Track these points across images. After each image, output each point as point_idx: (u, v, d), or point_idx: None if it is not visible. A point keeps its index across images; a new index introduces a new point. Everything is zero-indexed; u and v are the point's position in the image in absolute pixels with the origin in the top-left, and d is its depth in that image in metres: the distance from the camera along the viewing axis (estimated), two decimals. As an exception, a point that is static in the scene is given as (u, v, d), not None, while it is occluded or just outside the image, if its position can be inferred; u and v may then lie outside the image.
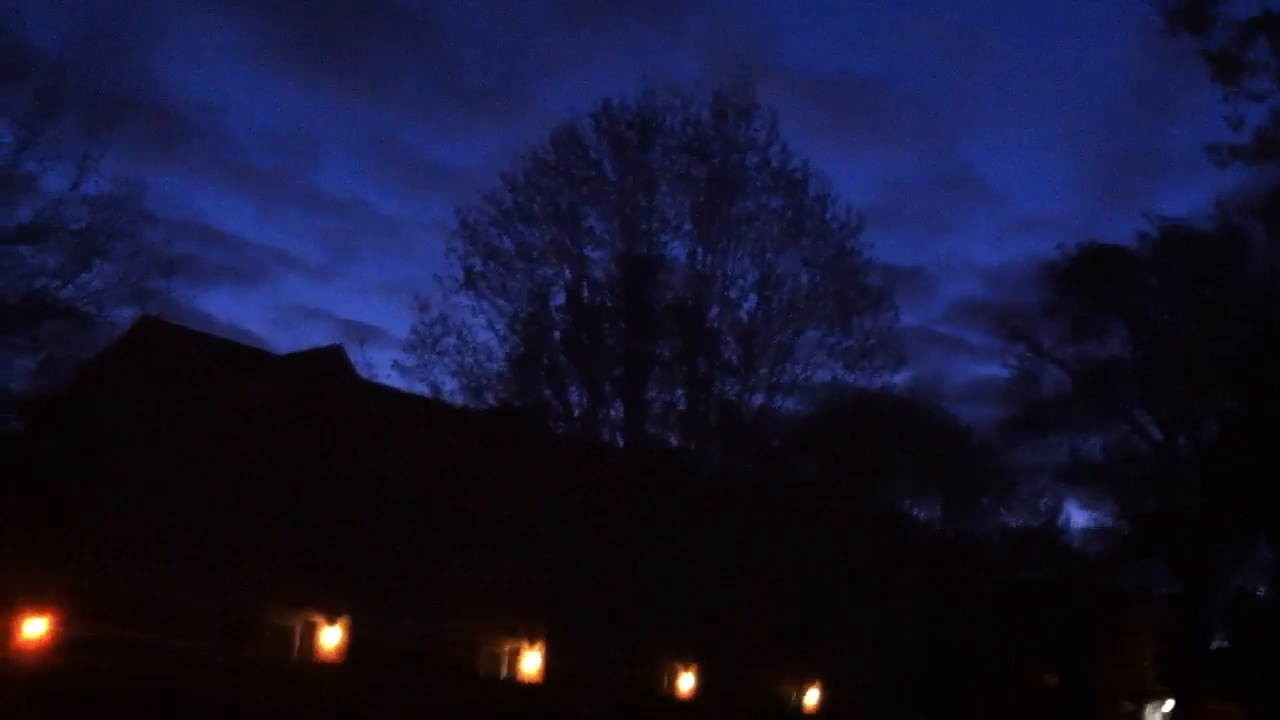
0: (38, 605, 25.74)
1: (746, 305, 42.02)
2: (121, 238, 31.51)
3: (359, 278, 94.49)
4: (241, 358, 34.21)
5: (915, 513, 50.06)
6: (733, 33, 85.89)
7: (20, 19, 30.58)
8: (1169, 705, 49.35)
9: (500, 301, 40.21)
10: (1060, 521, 51.20)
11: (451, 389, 39.28)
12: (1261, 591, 47.41)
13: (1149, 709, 50.34)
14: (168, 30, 77.01)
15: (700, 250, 41.64)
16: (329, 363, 33.42)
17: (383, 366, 37.98)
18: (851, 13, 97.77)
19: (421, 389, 38.83)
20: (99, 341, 31.87)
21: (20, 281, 30.94)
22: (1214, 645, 46.58)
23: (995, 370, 49.87)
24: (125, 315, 32.32)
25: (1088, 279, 47.21)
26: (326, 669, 31.35)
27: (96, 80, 31.56)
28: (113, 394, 30.43)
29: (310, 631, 32.26)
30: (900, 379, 44.40)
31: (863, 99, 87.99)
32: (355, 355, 35.01)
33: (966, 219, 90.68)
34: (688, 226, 41.72)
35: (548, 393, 40.20)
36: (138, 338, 31.79)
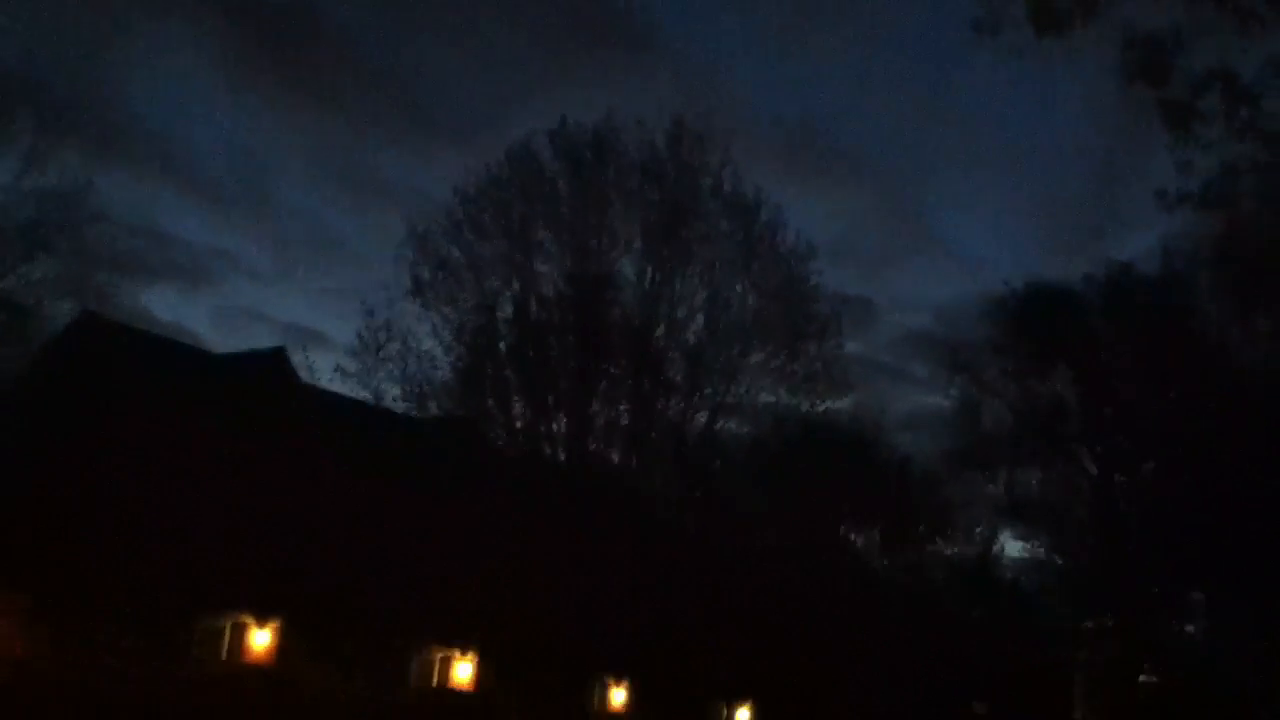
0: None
1: (694, 326, 42.62)
2: (66, 232, 31.61)
3: (306, 285, 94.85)
4: (181, 355, 34.16)
5: (854, 539, 50.33)
6: (698, 73, 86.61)
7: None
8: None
9: (447, 311, 40.63)
10: (995, 552, 51.64)
11: (394, 396, 39.64)
12: (1191, 630, 47.92)
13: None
14: (130, 38, 76.88)
15: (650, 270, 42.13)
16: (270, 364, 33.43)
17: (323, 371, 38.30)
18: (813, 56, 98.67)
19: (364, 395, 39.22)
20: (37, 335, 31.84)
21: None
22: (1141, 680, 47.06)
23: (938, 402, 50.24)
24: (65, 309, 32.42)
25: (1033, 317, 47.76)
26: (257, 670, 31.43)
27: (52, 81, 31.69)
28: (48, 390, 30.30)
29: (239, 633, 32.14)
30: (843, 405, 45.06)
31: (822, 141, 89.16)
32: (298, 359, 35.14)
33: (917, 260, 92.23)
34: (638, 246, 42.24)
35: (491, 404, 40.46)
36: (74, 332, 31.69)
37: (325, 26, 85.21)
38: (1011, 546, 51.63)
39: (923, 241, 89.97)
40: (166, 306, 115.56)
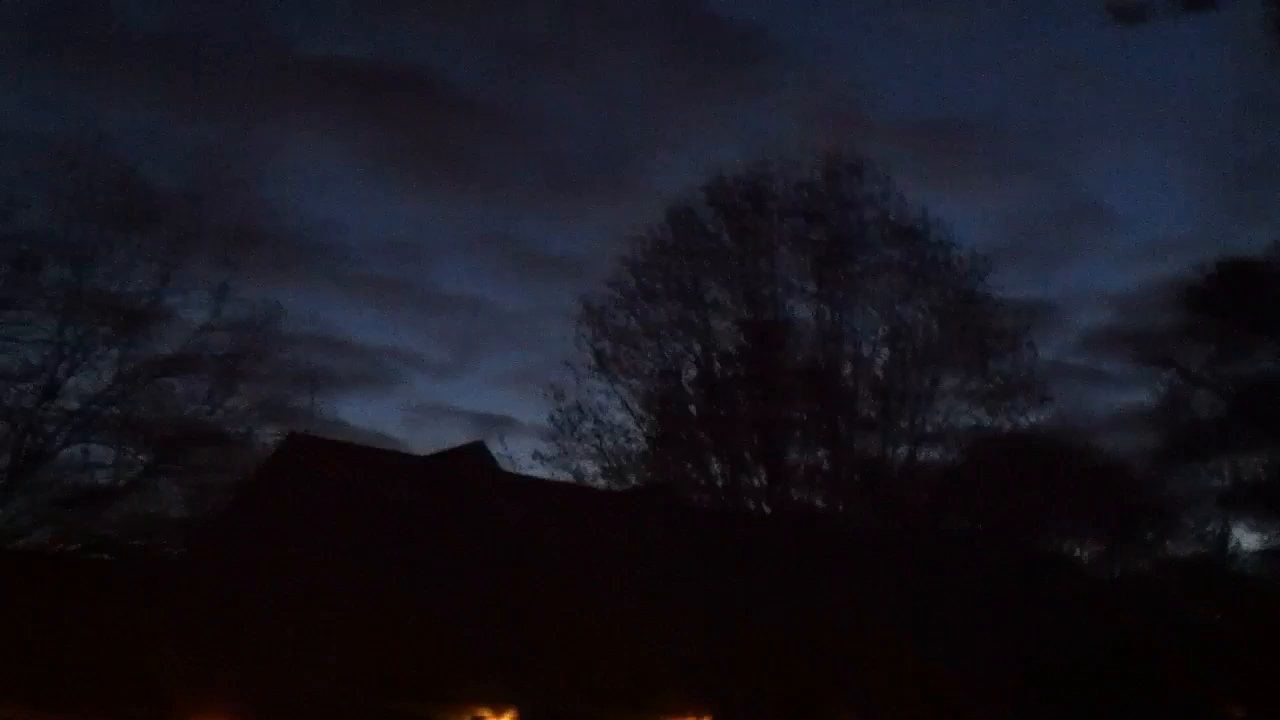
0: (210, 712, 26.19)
1: (879, 359, 41.82)
2: (261, 359, 32.51)
3: (485, 372, 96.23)
4: (386, 461, 34.90)
5: (1076, 554, 48.53)
6: (830, 88, 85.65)
7: (145, 164, 31.91)
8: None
9: (633, 381, 40.50)
10: (1230, 547, 49.17)
11: (593, 473, 39.66)
12: None
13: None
14: (279, 154, 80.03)
15: (825, 309, 41.51)
16: (472, 459, 33.96)
17: (521, 457, 38.57)
18: (948, 55, 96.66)
19: (564, 476, 39.32)
20: (247, 462, 32.66)
21: (170, 411, 31.99)
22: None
23: (1137, 398, 48.45)
24: (270, 434, 33.23)
25: (1228, 295, 45.88)
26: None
27: (221, 212, 32.67)
28: (268, 511, 31.11)
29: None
30: (1044, 417, 43.60)
31: (970, 139, 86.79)
32: (494, 448, 35.58)
33: (1090, 248, 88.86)
34: (810, 287, 41.68)
35: (689, 467, 40.22)
36: (286, 454, 32.52)
37: (441, 90, 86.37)
38: (1247, 540, 49.17)
39: (1091, 230, 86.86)
40: (359, 413, 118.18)
